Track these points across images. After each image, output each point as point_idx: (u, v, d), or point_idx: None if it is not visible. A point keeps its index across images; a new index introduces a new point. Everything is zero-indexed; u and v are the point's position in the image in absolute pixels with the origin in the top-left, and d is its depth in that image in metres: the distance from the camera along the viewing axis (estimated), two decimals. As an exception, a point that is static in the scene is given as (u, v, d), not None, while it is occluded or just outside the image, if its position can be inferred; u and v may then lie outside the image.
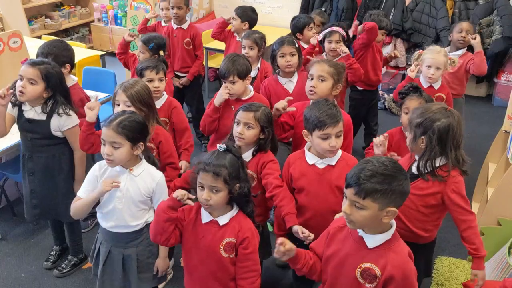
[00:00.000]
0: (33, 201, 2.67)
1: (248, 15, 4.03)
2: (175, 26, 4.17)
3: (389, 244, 1.64)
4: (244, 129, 2.23)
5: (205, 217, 1.89)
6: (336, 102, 2.50)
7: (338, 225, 1.80)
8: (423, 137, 2.06)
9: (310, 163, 2.20)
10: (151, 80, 2.75)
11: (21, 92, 2.42)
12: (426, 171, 2.09)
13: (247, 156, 2.28)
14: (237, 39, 4.05)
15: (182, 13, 4.08)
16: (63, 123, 2.53)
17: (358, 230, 1.68)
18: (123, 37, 3.64)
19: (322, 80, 2.54)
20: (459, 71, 3.60)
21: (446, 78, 3.48)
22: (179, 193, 1.79)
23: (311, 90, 2.56)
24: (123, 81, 2.49)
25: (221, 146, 1.87)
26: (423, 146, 2.07)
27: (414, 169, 2.17)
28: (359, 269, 1.65)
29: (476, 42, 3.47)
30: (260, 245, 1.96)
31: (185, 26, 4.16)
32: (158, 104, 2.79)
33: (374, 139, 2.38)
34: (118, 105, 2.42)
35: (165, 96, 2.85)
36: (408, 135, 2.13)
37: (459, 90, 3.69)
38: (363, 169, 1.57)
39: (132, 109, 2.37)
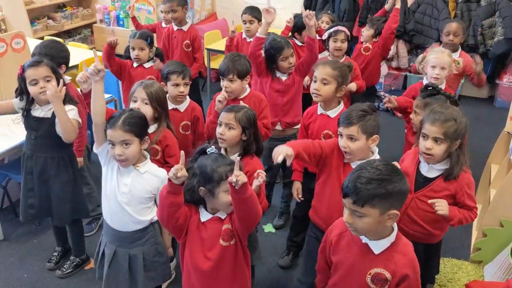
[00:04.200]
0: (30, 201, 2.67)
1: (259, 15, 4.03)
2: (175, 28, 4.17)
3: (394, 247, 1.66)
4: (225, 129, 2.23)
5: (205, 215, 1.89)
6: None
7: (337, 233, 1.80)
8: (458, 140, 2.07)
9: (345, 160, 2.21)
10: (177, 85, 2.77)
11: (41, 93, 2.43)
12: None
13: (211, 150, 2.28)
14: (248, 40, 4.05)
15: (178, 15, 4.08)
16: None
17: (362, 237, 1.69)
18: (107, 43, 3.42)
19: (325, 84, 2.53)
20: (456, 73, 3.60)
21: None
22: (171, 173, 1.72)
23: (314, 93, 2.57)
24: (143, 80, 2.53)
25: (211, 149, 1.89)
26: (454, 149, 2.08)
27: (425, 172, 2.17)
28: (369, 276, 1.66)
29: (478, 71, 3.46)
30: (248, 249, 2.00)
31: (185, 28, 4.16)
32: (182, 107, 2.81)
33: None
34: (135, 101, 2.44)
35: (188, 100, 2.86)
36: (441, 146, 2.07)
37: (452, 90, 3.70)
38: (358, 177, 1.57)
39: (148, 107, 2.40)
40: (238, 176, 1.65)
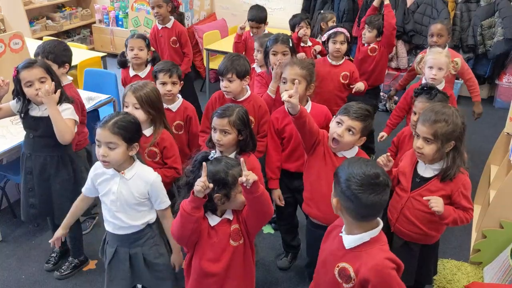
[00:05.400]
0: (31, 200, 2.67)
1: (262, 17, 4.05)
2: (160, 26, 4.18)
3: (366, 247, 1.63)
4: (221, 135, 2.23)
5: (214, 219, 1.88)
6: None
7: (334, 224, 1.82)
8: (452, 142, 2.06)
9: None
10: (164, 83, 2.76)
11: (37, 95, 2.41)
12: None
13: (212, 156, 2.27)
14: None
15: (163, 11, 4.09)
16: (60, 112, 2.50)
17: (342, 230, 1.69)
18: None
19: (294, 84, 2.51)
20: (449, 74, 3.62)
21: None
22: (199, 187, 1.71)
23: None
24: (133, 83, 2.50)
25: (214, 153, 1.87)
26: (448, 150, 2.08)
27: (422, 172, 2.18)
28: (337, 268, 1.67)
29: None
30: None
31: (169, 25, 4.17)
32: (174, 107, 2.80)
33: (377, 160, 2.28)
34: (127, 106, 2.42)
35: (180, 100, 2.85)
36: (431, 146, 2.07)
37: (451, 87, 3.72)
38: (346, 163, 1.64)
39: (140, 111, 2.37)
40: (247, 176, 1.66)
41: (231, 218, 1.89)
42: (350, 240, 1.64)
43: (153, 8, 4.08)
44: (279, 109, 2.70)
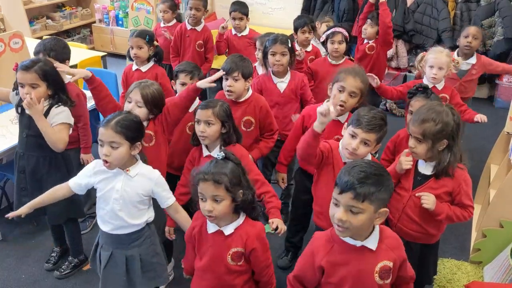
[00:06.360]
0: (23, 200, 2.63)
1: (244, 11, 4.08)
2: (188, 27, 4.16)
3: (381, 236, 1.66)
4: (205, 126, 2.23)
5: (211, 227, 1.88)
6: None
7: (324, 254, 1.69)
8: (444, 140, 2.05)
9: (343, 160, 2.18)
10: (183, 84, 2.76)
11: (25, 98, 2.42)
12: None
13: (215, 152, 2.26)
14: (239, 35, 4.13)
15: (200, 15, 4.10)
16: (53, 116, 2.50)
17: (355, 242, 1.63)
18: None
19: (352, 96, 2.41)
20: (475, 78, 3.65)
21: (463, 85, 3.57)
22: None
23: (341, 105, 2.41)
24: (141, 81, 2.50)
25: (219, 154, 1.83)
26: (441, 148, 2.08)
27: (422, 170, 2.18)
28: (376, 274, 1.64)
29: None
30: None
31: (199, 28, 4.16)
32: (191, 107, 2.79)
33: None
34: (130, 102, 2.42)
35: (196, 101, 2.81)
36: (422, 145, 2.07)
37: (471, 93, 3.76)
38: (358, 172, 1.54)
39: (143, 109, 2.39)
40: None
41: (226, 233, 1.85)
42: (374, 239, 1.64)
43: (190, 9, 4.08)
44: (313, 106, 2.60)
